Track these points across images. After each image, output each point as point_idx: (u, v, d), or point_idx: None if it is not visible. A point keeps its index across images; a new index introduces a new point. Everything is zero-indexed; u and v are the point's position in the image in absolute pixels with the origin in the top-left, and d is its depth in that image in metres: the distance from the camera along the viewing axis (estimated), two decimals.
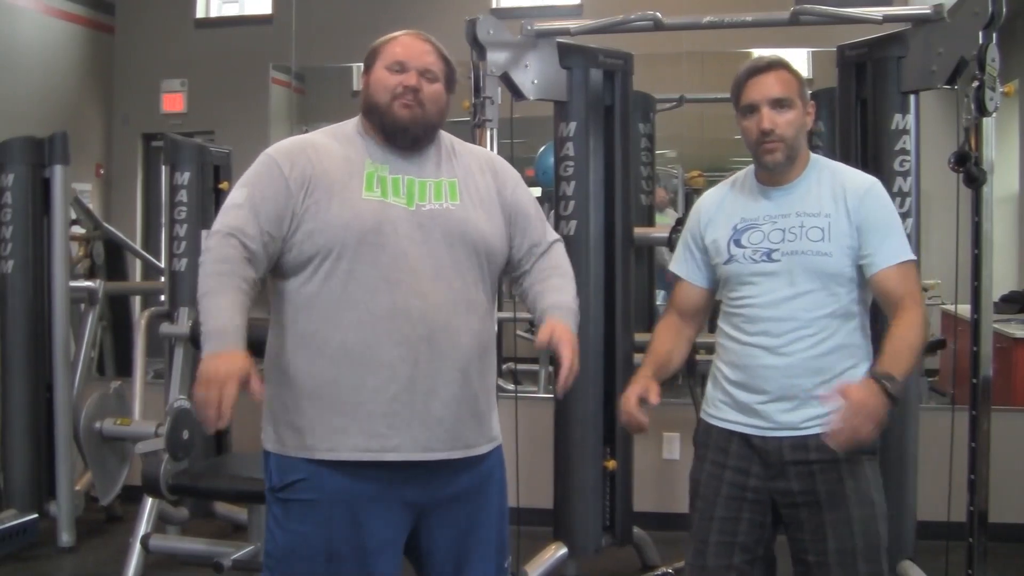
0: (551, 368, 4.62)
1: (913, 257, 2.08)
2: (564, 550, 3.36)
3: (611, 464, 3.40)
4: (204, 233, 3.86)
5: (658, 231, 4.24)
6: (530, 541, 3.30)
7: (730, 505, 2.12)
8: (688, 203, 5.91)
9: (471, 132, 3.10)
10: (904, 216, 3.04)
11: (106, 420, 3.71)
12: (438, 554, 1.97)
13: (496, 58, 3.14)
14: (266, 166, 1.89)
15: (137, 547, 3.46)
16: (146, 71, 6.13)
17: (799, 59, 5.45)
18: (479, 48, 3.13)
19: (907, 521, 3.12)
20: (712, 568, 2.12)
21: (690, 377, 3.56)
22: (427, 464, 1.88)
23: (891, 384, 1.88)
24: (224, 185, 3.93)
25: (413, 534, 1.95)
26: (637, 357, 3.55)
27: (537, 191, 5.17)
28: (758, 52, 4.94)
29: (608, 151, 3.39)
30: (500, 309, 2.20)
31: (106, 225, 4.91)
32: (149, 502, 3.56)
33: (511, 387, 4.22)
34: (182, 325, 3.44)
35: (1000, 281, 4.05)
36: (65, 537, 3.90)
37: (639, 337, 3.68)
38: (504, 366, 4.54)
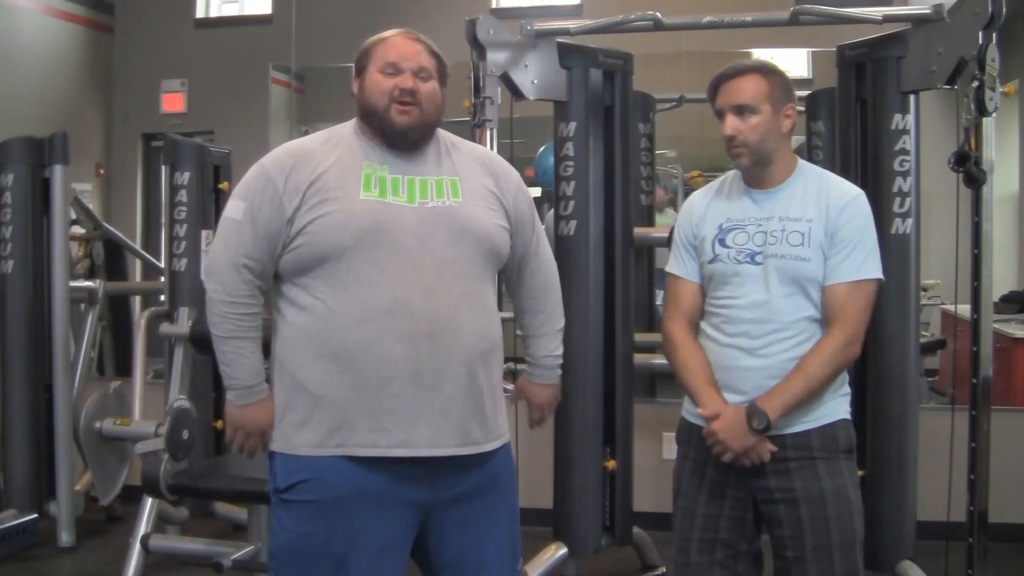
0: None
1: (874, 276, 2.11)
2: (564, 550, 3.36)
3: (611, 464, 3.40)
4: (205, 234, 3.88)
5: (658, 231, 4.24)
6: (530, 541, 3.28)
7: (711, 502, 2.17)
8: None
9: (471, 132, 3.10)
10: (904, 216, 3.05)
11: (106, 420, 3.71)
12: (447, 556, 1.97)
13: (496, 58, 3.14)
14: (261, 180, 1.91)
15: (137, 547, 3.46)
16: (146, 71, 6.13)
17: (799, 59, 5.47)
18: (479, 48, 3.13)
19: (907, 521, 3.12)
20: (695, 564, 2.17)
21: None
22: (434, 461, 1.88)
23: (758, 421, 2.03)
24: (224, 185, 3.92)
25: (421, 537, 1.95)
26: (637, 357, 3.57)
27: (537, 191, 5.16)
28: (758, 52, 4.96)
29: (608, 151, 3.38)
30: (500, 309, 2.22)
31: (106, 225, 4.91)
32: (149, 502, 3.56)
33: (511, 387, 4.22)
34: (182, 325, 3.44)
35: (1000, 281, 4.06)
36: (65, 537, 3.90)
37: (639, 337, 3.68)
38: (504, 366, 4.53)
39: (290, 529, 1.90)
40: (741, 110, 2.12)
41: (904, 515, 3.11)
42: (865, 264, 2.09)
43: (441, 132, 2.03)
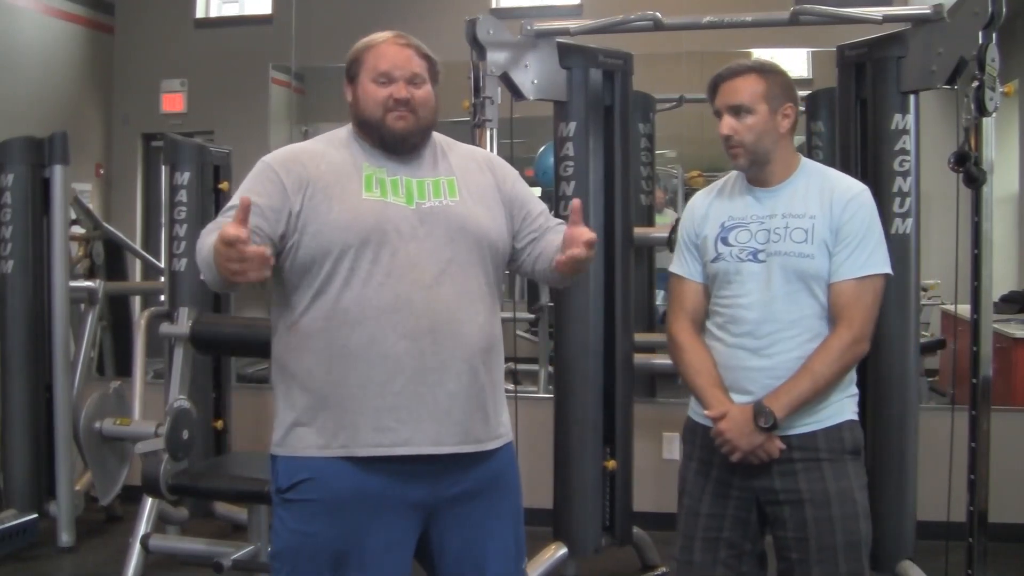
0: (551, 368, 4.62)
1: (882, 271, 2.10)
2: (564, 550, 3.36)
3: (611, 464, 3.40)
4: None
5: (658, 231, 4.24)
6: (530, 541, 3.24)
7: (716, 502, 2.16)
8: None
9: (471, 132, 3.10)
10: (904, 216, 3.05)
11: (106, 420, 3.71)
12: (450, 556, 1.96)
13: (496, 58, 3.14)
14: (264, 172, 1.90)
15: (137, 547, 3.46)
16: (146, 71, 6.12)
17: (799, 59, 5.46)
18: (479, 48, 3.13)
19: (907, 521, 3.12)
20: (698, 563, 2.17)
21: None
22: (436, 459, 1.88)
23: (765, 419, 2.02)
24: (224, 185, 3.93)
25: (424, 537, 1.94)
26: (637, 357, 3.57)
27: (537, 191, 5.16)
28: (758, 52, 4.95)
29: (608, 151, 3.39)
30: (500, 309, 2.21)
31: (106, 225, 4.92)
32: (149, 502, 3.56)
33: (511, 387, 4.22)
34: (182, 325, 3.44)
35: (1000, 281, 4.06)
36: (65, 537, 3.90)
37: (639, 337, 3.68)
38: (504, 366, 4.54)
39: (292, 529, 1.90)
40: (737, 110, 2.12)
41: (904, 515, 3.12)
42: (870, 259, 2.07)
43: (436, 135, 2.03)
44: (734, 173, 2.25)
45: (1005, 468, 3.32)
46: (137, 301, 5.34)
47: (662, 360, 3.89)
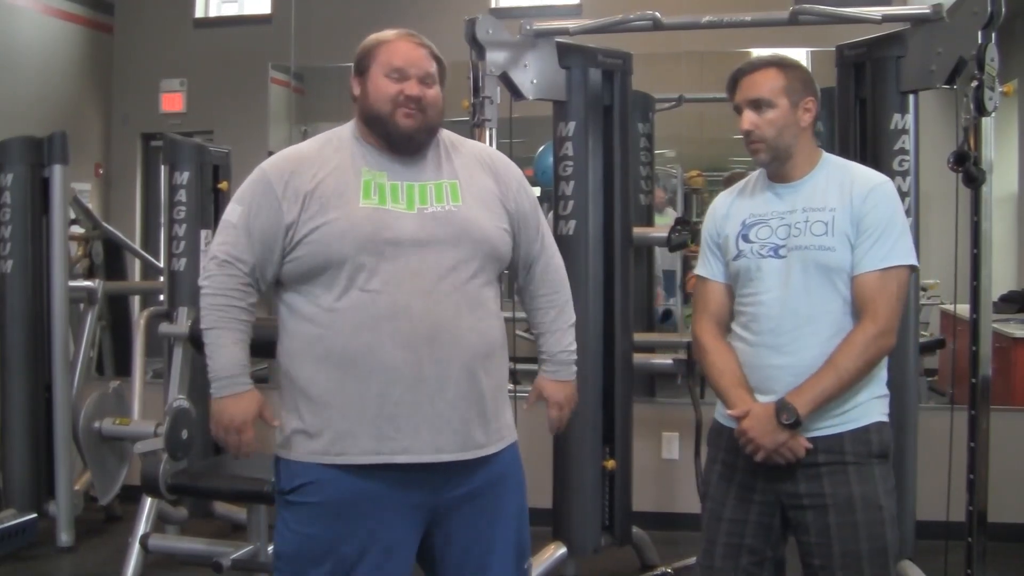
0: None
1: (906, 262, 2.05)
2: (563, 550, 3.36)
3: (610, 464, 3.40)
4: (204, 234, 3.88)
5: (657, 231, 4.24)
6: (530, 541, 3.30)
7: (738, 507, 2.12)
8: (687, 203, 5.91)
9: (470, 132, 3.10)
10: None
11: (105, 420, 3.71)
12: (453, 558, 1.96)
13: (495, 58, 3.14)
14: (261, 184, 1.92)
15: (136, 547, 3.46)
16: (145, 71, 6.13)
17: (798, 59, 5.44)
18: (478, 48, 3.13)
19: (907, 521, 3.12)
20: (719, 569, 2.13)
21: (689, 377, 3.56)
22: (436, 466, 1.87)
23: (787, 416, 1.98)
24: (224, 185, 3.93)
25: (426, 540, 1.95)
26: (636, 357, 3.57)
27: (536, 191, 5.16)
28: (757, 52, 4.95)
29: (607, 151, 3.39)
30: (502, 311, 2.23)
31: (105, 225, 4.91)
32: (148, 502, 3.56)
33: (511, 387, 4.22)
34: (181, 325, 3.44)
35: (999, 281, 4.06)
36: (64, 537, 3.90)
37: (638, 337, 3.68)
38: (508, 368, 4.53)
39: (294, 530, 1.90)
40: (757, 104, 2.08)
41: (904, 515, 3.11)
42: (893, 251, 2.02)
43: (443, 133, 2.02)
44: (756, 172, 2.23)
45: (1005, 468, 3.31)
46: (136, 301, 5.34)
47: (661, 360, 3.89)
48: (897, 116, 3.07)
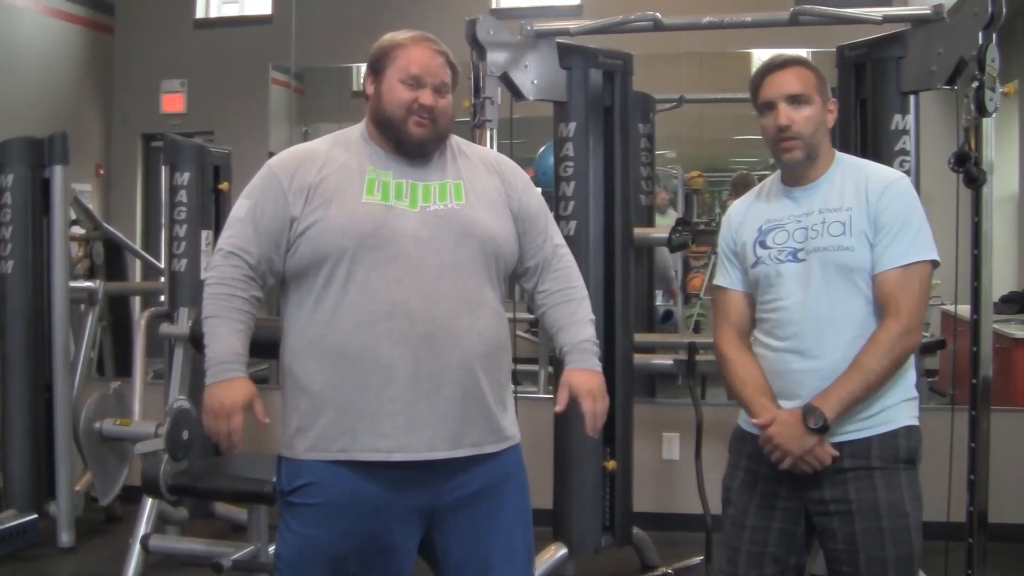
0: (551, 368, 4.62)
1: (927, 257, 2.01)
2: (564, 550, 3.36)
3: (611, 464, 3.40)
4: (204, 234, 3.88)
5: (658, 231, 4.24)
6: None
7: (762, 514, 2.09)
8: (688, 204, 5.92)
9: (471, 132, 3.10)
10: None
11: (106, 420, 3.71)
12: (453, 558, 1.96)
13: (496, 58, 3.14)
14: (268, 179, 1.93)
15: (137, 547, 3.46)
16: (146, 71, 6.13)
17: None
18: (479, 48, 3.13)
19: None
20: None
21: (690, 377, 3.56)
22: (433, 465, 1.88)
23: (815, 420, 1.94)
24: (224, 185, 3.92)
25: (428, 539, 1.95)
26: (637, 357, 3.57)
27: (538, 191, 5.16)
28: (758, 52, 4.95)
29: (608, 151, 3.39)
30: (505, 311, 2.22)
31: (106, 225, 4.91)
32: (149, 502, 3.56)
33: (511, 387, 4.22)
34: (182, 325, 3.44)
35: (1000, 281, 4.06)
36: (65, 537, 3.90)
37: (638, 338, 3.68)
38: (511, 368, 4.54)
39: (295, 531, 1.90)
40: (796, 100, 2.03)
41: None
42: (913, 246, 1.98)
43: (451, 137, 2.02)
44: (769, 179, 2.20)
45: (1005, 468, 3.32)
46: (137, 301, 5.35)
47: (662, 360, 3.89)
48: (898, 117, 3.07)
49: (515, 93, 3.23)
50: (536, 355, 5.26)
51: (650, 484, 3.96)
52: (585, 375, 2.05)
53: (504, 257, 1.98)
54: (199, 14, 6.32)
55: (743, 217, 2.18)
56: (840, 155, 2.14)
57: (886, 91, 3.07)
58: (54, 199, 3.95)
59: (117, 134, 6.23)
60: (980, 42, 2.80)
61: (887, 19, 3.09)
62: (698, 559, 3.61)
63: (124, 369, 4.62)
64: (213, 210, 3.89)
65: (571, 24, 3.31)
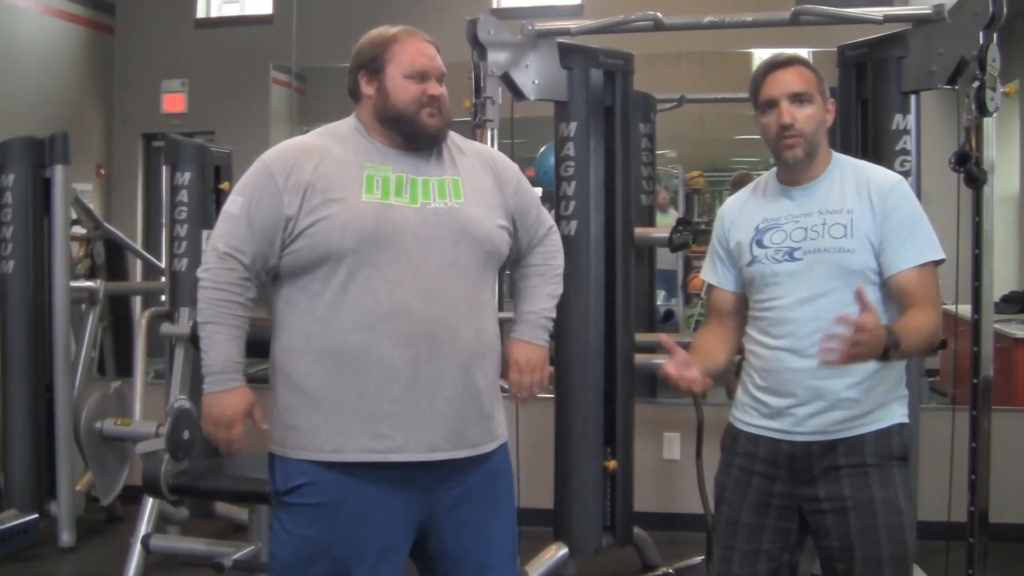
0: (551, 368, 4.61)
1: (937, 256, 2.03)
2: (564, 550, 3.36)
3: (611, 464, 3.40)
4: (205, 234, 3.88)
5: (658, 231, 4.24)
6: (530, 541, 3.29)
7: (756, 512, 2.09)
8: (688, 203, 5.91)
9: (471, 132, 3.11)
10: None
11: (106, 420, 3.71)
12: (449, 559, 1.97)
13: (497, 58, 3.14)
14: (262, 175, 1.90)
15: (137, 547, 3.46)
16: (146, 71, 6.14)
17: None
18: (480, 48, 3.13)
19: None
20: (737, 575, 2.11)
21: None
22: (431, 465, 1.88)
23: (892, 341, 1.83)
24: (225, 185, 3.92)
25: (421, 540, 1.95)
26: (637, 357, 3.57)
27: (538, 191, 5.17)
28: (758, 52, 4.95)
29: (608, 151, 3.39)
30: (500, 309, 2.22)
31: (107, 225, 4.91)
32: (149, 502, 3.56)
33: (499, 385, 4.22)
34: (183, 325, 3.44)
35: (1000, 281, 4.05)
36: (65, 537, 3.90)
37: (639, 337, 3.68)
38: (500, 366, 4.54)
39: (290, 531, 1.90)
40: (799, 98, 2.04)
41: None
42: (926, 247, 2.01)
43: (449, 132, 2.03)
44: (764, 176, 2.20)
45: (1005, 468, 3.32)
46: (138, 301, 5.34)
47: (662, 360, 3.88)
48: (898, 116, 3.06)
49: (516, 93, 3.23)
50: None
51: (651, 484, 3.96)
52: (523, 347, 2.08)
53: (499, 255, 2.01)
54: (200, 14, 6.33)
55: (737, 215, 2.18)
56: (837, 155, 2.14)
57: (887, 91, 3.07)
58: (55, 199, 3.95)
59: (118, 134, 6.24)
60: (981, 42, 2.80)
61: (888, 19, 3.09)
62: (699, 559, 3.62)
63: (125, 369, 4.62)
64: (214, 210, 3.88)
65: (572, 24, 3.31)
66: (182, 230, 3.85)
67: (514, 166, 2.11)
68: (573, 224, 3.31)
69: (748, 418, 2.12)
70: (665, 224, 4.90)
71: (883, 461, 2.02)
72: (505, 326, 2.11)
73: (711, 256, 2.23)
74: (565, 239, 3.28)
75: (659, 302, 4.98)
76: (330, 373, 1.85)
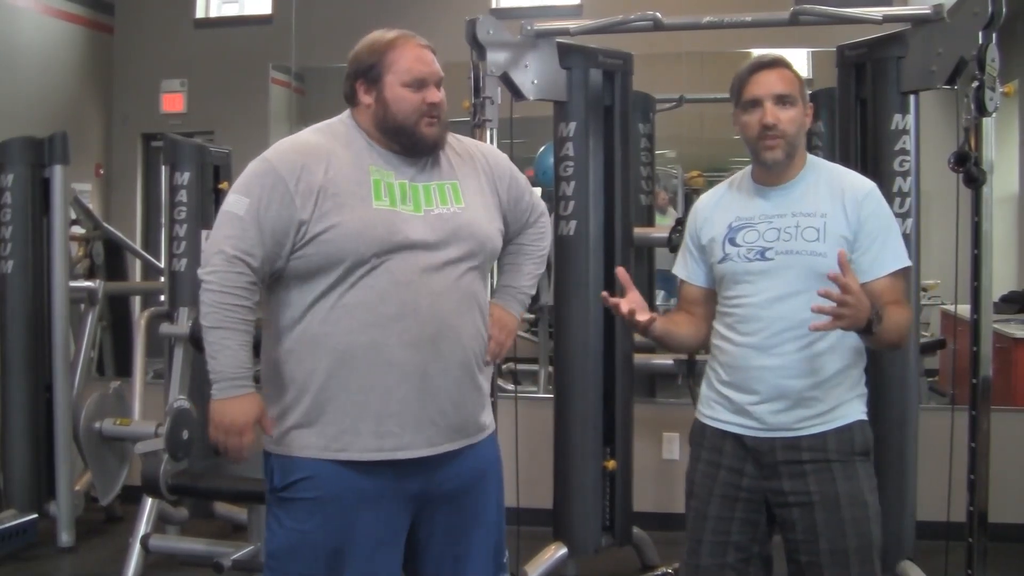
0: (551, 368, 4.62)
1: (908, 263, 2.11)
2: (564, 550, 3.36)
3: (611, 464, 3.40)
4: (204, 234, 3.88)
5: (658, 231, 4.24)
6: (530, 541, 3.30)
7: (724, 504, 2.14)
8: (688, 203, 5.91)
9: (471, 132, 3.10)
10: (904, 216, 3.05)
11: (106, 420, 3.71)
12: (434, 551, 1.99)
13: (496, 58, 3.14)
14: (270, 177, 1.85)
15: (137, 547, 3.46)
16: (146, 71, 6.12)
17: (799, 59, 5.46)
18: (479, 48, 3.13)
19: (907, 521, 3.12)
20: (706, 567, 2.15)
21: (690, 377, 3.56)
22: (430, 458, 1.90)
23: (875, 314, 1.91)
24: (224, 185, 3.92)
25: (409, 531, 1.97)
26: (637, 357, 3.57)
27: (537, 191, 5.16)
28: (758, 52, 4.93)
29: (608, 151, 3.39)
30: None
31: (106, 225, 4.92)
32: (149, 502, 3.57)
33: (511, 387, 4.22)
34: (182, 325, 3.44)
35: (1000, 281, 4.05)
36: (65, 537, 3.91)
37: (639, 337, 3.68)
38: (504, 366, 4.54)
39: (288, 527, 1.90)
40: (783, 99, 2.07)
41: (904, 515, 3.12)
42: (900, 254, 2.08)
43: None
44: (739, 174, 2.23)
45: (1005, 468, 3.31)
46: (137, 301, 5.34)
47: (662, 360, 3.89)
48: (898, 116, 3.07)
49: (515, 93, 3.23)
50: (536, 355, 5.27)
51: (650, 484, 3.96)
52: (502, 312, 2.12)
53: (495, 255, 2.06)
54: (199, 14, 6.31)
55: (711, 212, 2.21)
56: (812, 158, 2.18)
57: (886, 91, 3.07)
58: (54, 199, 3.96)
59: (117, 134, 6.22)
60: (980, 42, 2.80)
61: (887, 19, 3.09)
62: None
63: (124, 369, 4.63)
64: (213, 210, 3.88)
65: (571, 24, 3.31)
66: (181, 230, 3.85)
67: (504, 157, 2.14)
68: (572, 224, 3.31)
69: (714, 413, 2.18)
70: (664, 224, 4.90)
71: (846, 456, 2.07)
72: None
73: (683, 251, 2.28)
74: (565, 239, 3.32)
75: (658, 302, 4.97)
76: (337, 372, 1.86)
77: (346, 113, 2.00)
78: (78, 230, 4.76)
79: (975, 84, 2.79)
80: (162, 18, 6.20)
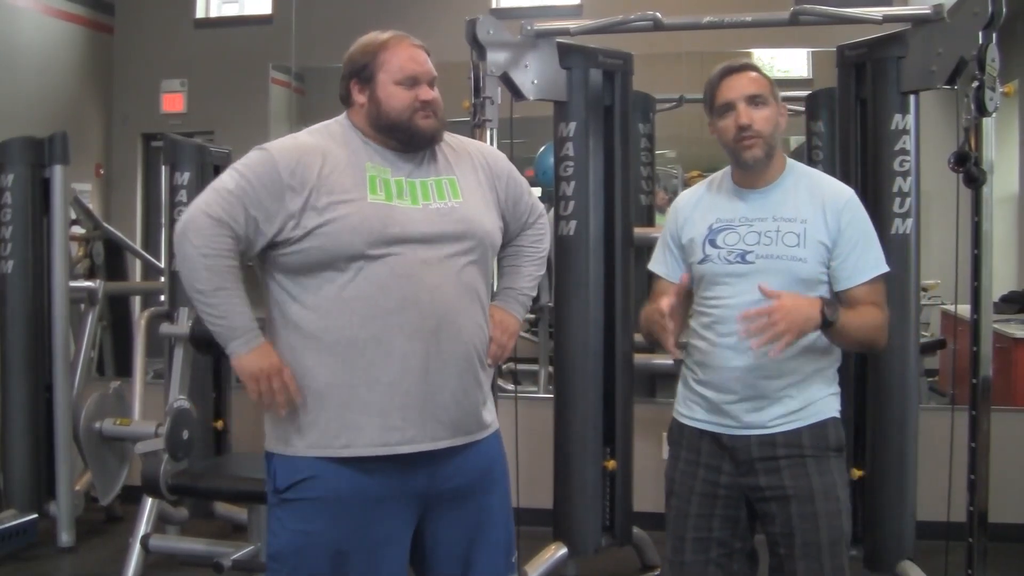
0: (551, 368, 4.62)
1: (886, 268, 2.14)
2: (564, 550, 3.36)
3: (611, 464, 3.40)
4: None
5: (658, 231, 4.23)
6: (530, 541, 3.30)
7: (704, 502, 2.18)
8: None
9: (471, 132, 3.11)
10: (904, 216, 3.05)
11: (106, 420, 3.71)
12: (443, 551, 1.98)
13: (496, 58, 3.14)
14: (267, 166, 1.86)
15: (137, 547, 3.46)
16: (146, 71, 6.12)
17: (799, 59, 5.47)
18: (479, 48, 3.13)
19: (907, 521, 3.12)
20: (690, 563, 2.19)
21: None
22: (433, 453, 1.90)
23: (830, 310, 1.97)
24: None
25: (417, 531, 1.96)
26: (637, 357, 3.57)
27: (537, 191, 5.16)
28: (758, 52, 4.95)
29: (608, 151, 3.39)
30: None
31: (106, 225, 4.92)
32: (149, 502, 3.57)
33: (511, 387, 4.22)
34: (182, 325, 3.44)
35: (1000, 281, 4.06)
36: (65, 537, 3.91)
37: (639, 337, 3.68)
38: (504, 366, 4.54)
39: (291, 529, 1.89)
40: (755, 100, 2.11)
41: (904, 515, 3.12)
42: (878, 261, 2.12)
43: None
44: (718, 174, 2.26)
45: (1005, 468, 3.31)
46: (137, 301, 5.35)
47: (662, 360, 3.89)
48: (898, 116, 3.07)
49: (515, 93, 3.23)
50: (536, 355, 5.26)
51: (650, 484, 3.94)
52: (503, 314, 2.11)
53: (494, 251, 2.06)
54: (199, 14, 6.31)
55: (691, 212, 2.23)
56: (792, 161, 2.21)
57: (886, 91, 3.07)
58: (54, 199, 3.96)
59: (117, 134, 6.22)
60: (980, 42, 2.80)
61: (887, 19, 3.09)
62: None
63: (124, 369, 4.63)
64: None
65: (571, 24, 3.31)
66: None
67: (503, 156, 2.15)
68: (572, 224, 3.31)
69: (691, 413, 2.21)
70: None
71: (820, 452, 2.12)
72: None
73: (662, 248, 2.29)
74: (565, 239, 3.32)
75: None
76: (339, 368, 1.85)
77: (342, 115, 2.02)
78: (78, 230, 4.76)
79: (975, 84, 2.79)
80: (162, 18, 6.20)
